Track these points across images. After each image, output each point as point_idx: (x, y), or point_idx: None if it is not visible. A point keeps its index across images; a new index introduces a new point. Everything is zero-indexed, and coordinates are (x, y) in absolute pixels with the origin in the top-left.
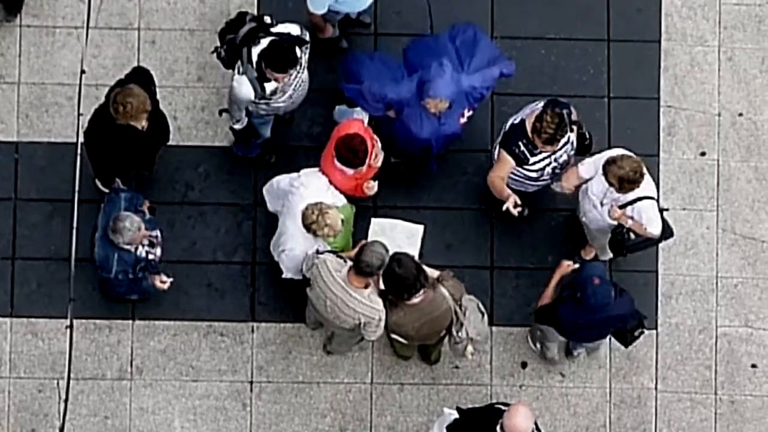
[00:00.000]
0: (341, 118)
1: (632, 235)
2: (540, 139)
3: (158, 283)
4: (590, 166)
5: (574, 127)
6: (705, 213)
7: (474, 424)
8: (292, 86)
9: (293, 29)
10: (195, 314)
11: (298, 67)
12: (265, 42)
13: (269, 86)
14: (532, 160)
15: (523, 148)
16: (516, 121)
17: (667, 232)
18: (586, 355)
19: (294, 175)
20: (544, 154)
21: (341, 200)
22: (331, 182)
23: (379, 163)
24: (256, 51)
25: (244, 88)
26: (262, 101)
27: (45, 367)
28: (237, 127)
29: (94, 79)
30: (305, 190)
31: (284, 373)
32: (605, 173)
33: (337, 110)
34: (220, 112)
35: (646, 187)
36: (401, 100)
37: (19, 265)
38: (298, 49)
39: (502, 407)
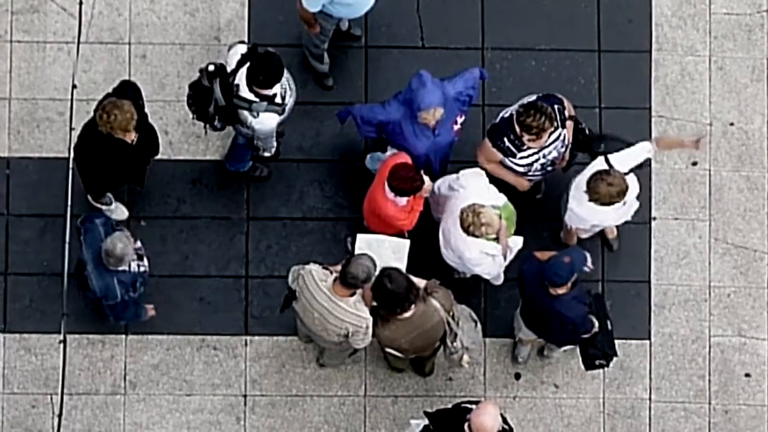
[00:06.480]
0: (374, 164)
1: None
2: (527, 135)
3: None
4: (574, 215)
5: (569, 123)
6: (697, 222)
7: (442, 426)
8: (286, 78)
9: (241, 49)
10: (188, 328)
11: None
12: (239, 79)
13: (277, 97)
14: (519, 155)
15: (508, 143)
16: (506, 115)
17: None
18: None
19: (453, 176)
20: (532, 150)
21: (502, 199)
22: (386, 214)
23: (429, 191)
24: (244, 91)
25: (268, 121)
26: (283, 114)
27: (38, 382)
28: (269, 154)
29: (85, 94)
30: (465, 191)
31: (278, 386)
32: (596, 200)
33: (369, 158)
34: (205, 131)
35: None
36: (391, 121)
37: (12, 281)
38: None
39: (469, 406)
